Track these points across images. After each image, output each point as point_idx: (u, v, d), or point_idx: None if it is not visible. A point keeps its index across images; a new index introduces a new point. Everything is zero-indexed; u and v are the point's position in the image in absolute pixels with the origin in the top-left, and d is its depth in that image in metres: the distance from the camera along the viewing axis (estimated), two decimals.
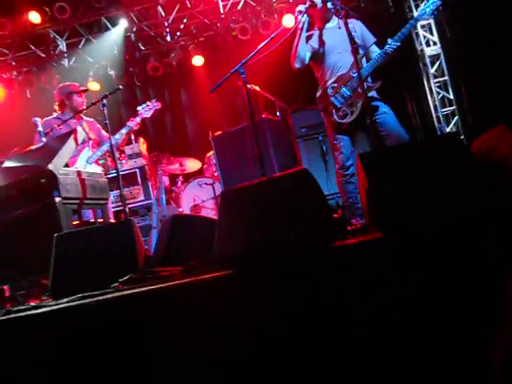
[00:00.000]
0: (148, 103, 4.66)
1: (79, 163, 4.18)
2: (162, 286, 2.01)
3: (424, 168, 2.06)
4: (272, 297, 1.84)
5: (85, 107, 4.43)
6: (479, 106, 6.13)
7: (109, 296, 2.04)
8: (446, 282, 1.72)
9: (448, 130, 6.81)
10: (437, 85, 6.93)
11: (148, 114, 4.63)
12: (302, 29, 3.62)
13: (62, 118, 4.28)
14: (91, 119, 4.66)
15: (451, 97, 6.89)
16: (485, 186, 1.91)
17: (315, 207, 2.16)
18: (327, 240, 2.07)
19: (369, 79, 3.57)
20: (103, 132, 4.58)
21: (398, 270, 1.76)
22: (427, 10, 3.39)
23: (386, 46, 3.40)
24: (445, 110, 6.90)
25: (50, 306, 2.16)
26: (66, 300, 2.23)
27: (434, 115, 6.95)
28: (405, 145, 3.12)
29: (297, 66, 3.70)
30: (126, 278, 2.34)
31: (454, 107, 6.86)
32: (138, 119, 4.55)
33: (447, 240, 1.77)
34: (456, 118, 6.84)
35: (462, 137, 6.57)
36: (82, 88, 4.51)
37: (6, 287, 3.40)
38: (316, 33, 3.76)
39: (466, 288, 1.70)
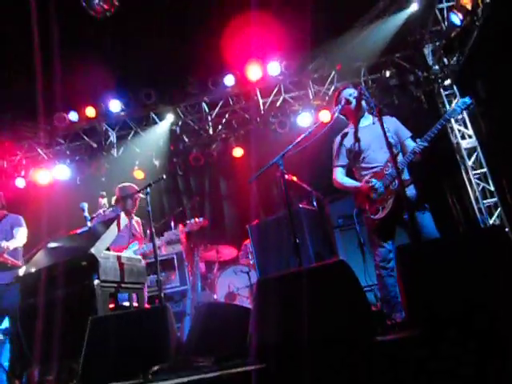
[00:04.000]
0: (196, 220, 5.16)
1: (127, 253, 4.38)
2: (193, 378, 1.94)
3: (467, 262, 1.99)
4: None
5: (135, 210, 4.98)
6: None
7: None
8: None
9: (491, 221, 6.64)
10: (476, 176, 6.90)
11: (194, 228, 5.16)
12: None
13: (115, 212, 4.59)
14: (138, 219, 5.11)
15: (492, 188, 6.80)
16: None
17: (353, 300, 2.10)
18: (366, 334, 1.97)
19: (405, 175, 3.59)
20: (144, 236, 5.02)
21: (437, 367, 1.64)
22: (457, 108, 3.43)
23: (414, 146, 3.46)
24: (486, 201, 6.78)
25: None
26: None
27: (475, 207, 6.83)
28: (447, 238, 3.04)
29: (336, 186, 3.96)
30: (157, 367, 2.28)
31: (495, 199, 6.75)
32: (186, 230, 5.11)
33: (490, 338, 1.65)
34: (499, 209, 6.68)
35: (507, 229, 6.35)
36: (139, 194, 4.88)
37: (35, 372, 3.36)
38: (351, 131, 3.87)
39: None
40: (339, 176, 3.89)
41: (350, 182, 3.82)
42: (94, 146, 7.85)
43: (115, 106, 7.38)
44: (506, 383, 1.58)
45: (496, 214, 6.69)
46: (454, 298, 1.89)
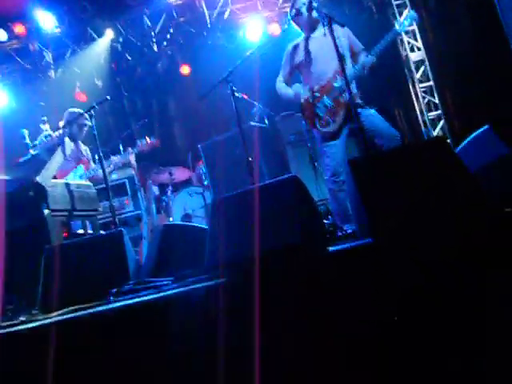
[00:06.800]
0: (148, 140, 4.89)
1: (71, 177, 4.20)
2: (153, 296, 1.99)
3: (413, 173, 2.08)
4: (265, 304, 1.83)
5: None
6: (465, 109, 6.22)
7: (100, 309, 2.01)
8: (437, 286, 1.74)
9: (435, 133, 6.90)
10: (422, 89, 7.03)
11: (145, 149, 4.89)
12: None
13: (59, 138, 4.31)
14: (87, 147, 4.83)
15: (437, 101, 6.99)
16: (474, 190, 1.93)
17: (306, 213, 2.16)
18: (319, 245, 2.07)
19: (353, 88, 3.57)
20: (92, 162, 4.77)
21: (388, 274, 1.77)
22: (405, 22, 3.49)
23: (364, 60, 3.47)
24: (431, 114, 6.99)
25: (40, 320, 2.13)
26: (56, 314, 2.20)
27: (420, 119, 7.04)
28: (393, 150, 3.13)
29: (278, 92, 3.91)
30: (116, 289, 2.32)
31: (439, 111, 6.96)
32: (136, 151, 4.83)
33: (439, 244, 1.78)
34: (442, 121, 6.93)
35: (449, 140, 6.64)
36: (85, 122, 4.55)
37: None
38: (302, 42, 3.77)
39: (457, 294, 1.72)
40: (278, 84, 3.88)
41: (286, 93, 3.82)
42: (28, 67, 7.25)
43: (48, 21, 6.70)
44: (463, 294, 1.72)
45: (439, 126, 6.94)
46: (402, 207, 1.99)
